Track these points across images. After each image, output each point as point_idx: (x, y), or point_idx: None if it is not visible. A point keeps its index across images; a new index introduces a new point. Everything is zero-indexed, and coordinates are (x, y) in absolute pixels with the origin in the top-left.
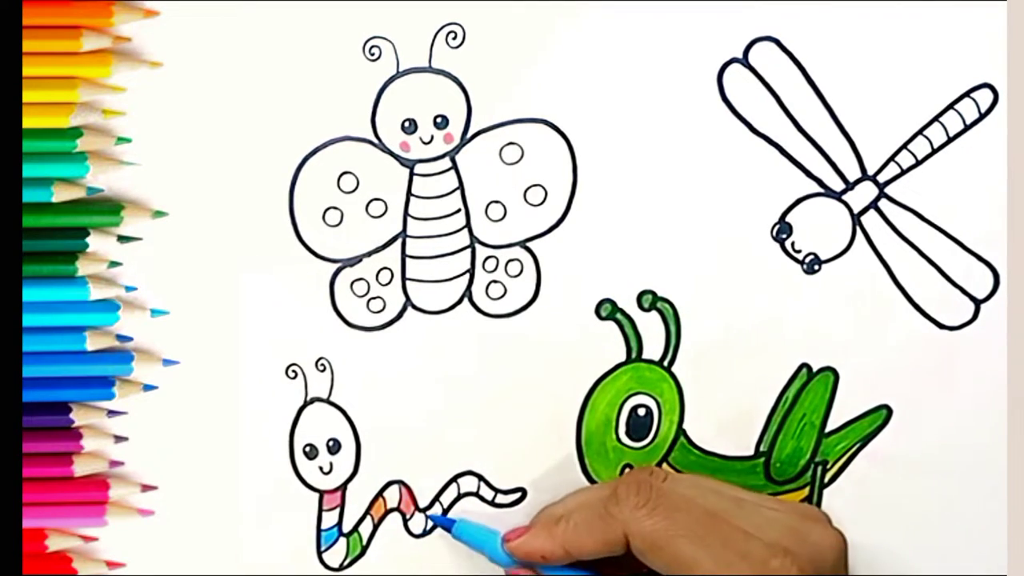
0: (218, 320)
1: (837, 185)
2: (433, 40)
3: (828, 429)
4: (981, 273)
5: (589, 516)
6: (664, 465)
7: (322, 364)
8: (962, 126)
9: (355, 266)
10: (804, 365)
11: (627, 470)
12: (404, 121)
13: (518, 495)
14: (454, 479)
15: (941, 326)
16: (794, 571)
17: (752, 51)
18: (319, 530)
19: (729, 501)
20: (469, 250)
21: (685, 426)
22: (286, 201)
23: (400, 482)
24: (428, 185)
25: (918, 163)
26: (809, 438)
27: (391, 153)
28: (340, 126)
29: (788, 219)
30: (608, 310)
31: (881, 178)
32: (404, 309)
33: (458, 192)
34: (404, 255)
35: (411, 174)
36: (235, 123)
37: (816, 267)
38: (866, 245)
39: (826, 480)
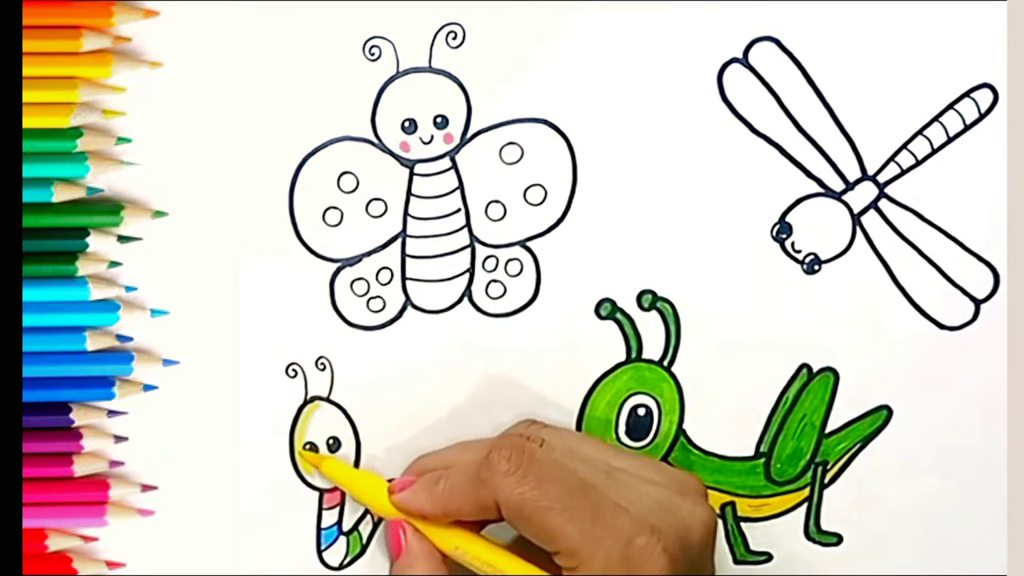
0: (218, 320)
1: (837, 185)
2: (433, 40)
3: (828, 429)
4: (981, 273)
5: (463, 479)
6: (544, 436)
7: (322, 363)
8: (962, 126)
9: (355, 266)
10: (804, 365)
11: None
12: (404, 121)
13: None
14: None
15: (941, 326)
16: (658, 550)
17: (752, 51)
18: (319, 529)
19: (603, 471)
20: (469, 250)
21: (685, 426)
22: (286, 201)
23: None
24: (428, 185)
25: (918, 163)
26: (809, 438)
27: (391, 153)
28: (340, 126)
29: (788, 219)
30: (608, 310)
31: (881, 178)
32: (404, 309)
33: (458, 192)
34: (404, 255)
35: (411, 174)
36: (235, 123)
37: (816, 267)
38: (866, 245)
39: (826, 481)
